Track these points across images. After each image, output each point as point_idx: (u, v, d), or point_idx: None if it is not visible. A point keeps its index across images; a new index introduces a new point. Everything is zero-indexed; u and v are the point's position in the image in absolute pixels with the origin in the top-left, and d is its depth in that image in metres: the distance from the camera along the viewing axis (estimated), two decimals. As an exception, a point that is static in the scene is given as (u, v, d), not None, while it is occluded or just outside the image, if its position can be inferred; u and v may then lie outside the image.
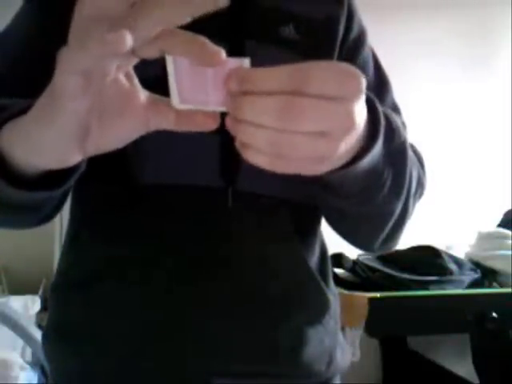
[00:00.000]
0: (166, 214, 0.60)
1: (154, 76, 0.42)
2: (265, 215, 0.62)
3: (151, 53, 0.33)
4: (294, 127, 0.35)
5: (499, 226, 2.05)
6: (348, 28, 0.70)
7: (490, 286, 1.80)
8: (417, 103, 2.23)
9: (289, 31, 0.64)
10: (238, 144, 0.38)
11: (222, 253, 0.60)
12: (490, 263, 1.83)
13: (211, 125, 0.38)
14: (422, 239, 1.78)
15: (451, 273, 1.70)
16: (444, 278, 1.68)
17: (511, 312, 1.57)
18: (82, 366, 0.61)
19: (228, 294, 0.59)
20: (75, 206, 0.66)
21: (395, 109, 0.71)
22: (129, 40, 0.30)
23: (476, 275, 1.78)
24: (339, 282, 1.68)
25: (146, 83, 0.39)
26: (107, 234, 0.62)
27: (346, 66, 0.35)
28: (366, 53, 0.72)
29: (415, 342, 2.08)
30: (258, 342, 0.60)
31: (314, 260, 0.66)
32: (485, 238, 1.93)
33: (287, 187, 0.62)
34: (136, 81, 0.39)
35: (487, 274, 1.82)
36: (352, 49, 0.70)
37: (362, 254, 1.77)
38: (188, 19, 0.31)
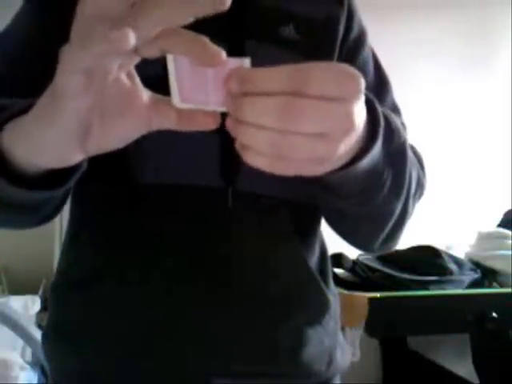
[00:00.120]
0: (166, 214, 0.60)
1: (154, 75, 0.42)
2: (265, 215, 0.62)
3: (152, 52, 0.33)
4: (294, 128, 0.35)
5: (499, 226, 2.05)
6: (348, 28, 0.70)
7: (490, 286, 1.80)
8: (417, 103, 2.23)
9: (289, 31, 0.64)
10: (238, 146, 0.38)
11: (221, 253, 0.60)
12: (490, 263, 1.83)
13: (211, 124, 0.38)
14: (422, 239, 1.78)
15: (451, 273, 1.70)
16: (444, 278, 1.68)
17: (511, 312, 1.57)
18: (82, 365, 0.61)
19: (228, 294, 0.59)
20: (75, 206, 0.66)
21: (395, 109, 0.71)
22: (132, 38, 0.30)
23: (476, 275, 1.78)
24: (339, 282, 1.68)
25: (147, 82, 0.39)
26: (107, 233, 0.62)
27: (345, 66, 0.35)
28: (366, 53, 0.72)
29: (415, 342, 2.08)
30: (258, 342, 0.60)
31: (313, 260, 0.66)
32: (485, 238, 1.93)
33: (287, 187, 0.62)
34: (138, 80, 0.39)
35: (487, 274, 1.82)
36: (352, 49, 0.70)
37: (362, 254, 1.77)
38: (190, 19, 0.31)
